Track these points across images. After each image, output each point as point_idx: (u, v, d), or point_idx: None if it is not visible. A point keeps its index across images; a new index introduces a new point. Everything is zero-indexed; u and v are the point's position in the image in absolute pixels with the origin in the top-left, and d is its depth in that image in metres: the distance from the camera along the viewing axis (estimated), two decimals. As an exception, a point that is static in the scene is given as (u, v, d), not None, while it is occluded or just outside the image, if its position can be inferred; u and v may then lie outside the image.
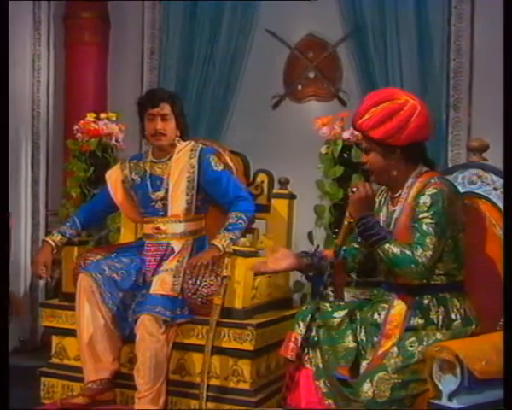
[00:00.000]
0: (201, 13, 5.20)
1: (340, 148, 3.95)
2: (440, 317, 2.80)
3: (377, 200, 3.08)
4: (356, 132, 3.63)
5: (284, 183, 3.87)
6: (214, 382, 3.41)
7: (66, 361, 3.72)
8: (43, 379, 3.75)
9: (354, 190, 2.85)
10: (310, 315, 2.93)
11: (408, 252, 2.70)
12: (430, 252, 2.72)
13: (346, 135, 3.99)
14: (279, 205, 3.86)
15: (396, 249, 2.72)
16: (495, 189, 3.05)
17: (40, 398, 3.75)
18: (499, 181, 3.03)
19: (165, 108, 3.60)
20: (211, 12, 5.19)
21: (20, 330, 4.92)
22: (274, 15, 5.19)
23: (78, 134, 4.51)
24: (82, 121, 4.52)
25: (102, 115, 4.55)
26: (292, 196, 3.87)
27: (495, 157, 3.05)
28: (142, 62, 5.46)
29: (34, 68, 5.23)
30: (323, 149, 4.07)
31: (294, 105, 5.33)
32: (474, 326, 2.83)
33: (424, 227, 2.73)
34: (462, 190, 3.12)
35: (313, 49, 5.29)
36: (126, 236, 4.06)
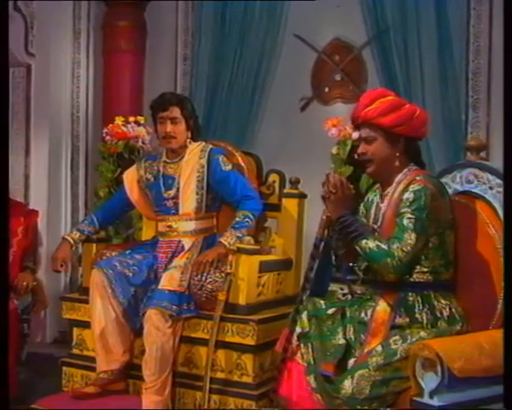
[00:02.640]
0: (231, 19, 5.22)
1: (348, 148, 3.88)
2: (425, 315, 2.74)
3: (368, 196, 3.05)
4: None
5: (295, 182, 3.83)
6: (219, 375, 3.41)
7: (85, 352, 3.76)
8: (64, 368, 3.81)
9: (333, 190, 2.81)
10: (306, 311, 2.91)
11: (384, 246, 2.67)
12: (408, 247, 2.68)
13: (355, 136, 3.90)
14: (289, 204, 3.81)
15: (372, 244, 2.69)
16: (490, 188, 2.95)
17: (62, 386, 3.81)
18: (495, 180, 2.93)
19: (175, 112, 3.61)
20: (240, 18, 5.19)
21: (59, 321, 5.01)
22: (302, 20, 5.14)
23: (107, 137, 4.57)
24: (111, 125, 4.58)
25: (131, 119, 4.59)
26: (302, 196, 3.83)
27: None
28: (175, 68, 5.50)
29: (74, 75, 5.33)
30: (334, 150, 4.01)
31: (321, 107, 5.28)
32: (459, 325, 2.75)
33: (404, 222, 2.70)
34: (459, 189, 3.06)
35: (339, 53, 5.23)
36: (148, 233, 4.09)
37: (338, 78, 5.25)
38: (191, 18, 5.44)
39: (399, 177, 2.87)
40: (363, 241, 2.70)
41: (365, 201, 3.10)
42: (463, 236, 2.92)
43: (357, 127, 3.02)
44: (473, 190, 3.00)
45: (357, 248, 2.72)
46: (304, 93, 5.32)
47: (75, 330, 3.84)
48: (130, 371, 3.58)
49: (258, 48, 5.15)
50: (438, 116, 4.47)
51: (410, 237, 2.66)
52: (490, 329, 2.79)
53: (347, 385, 2.60)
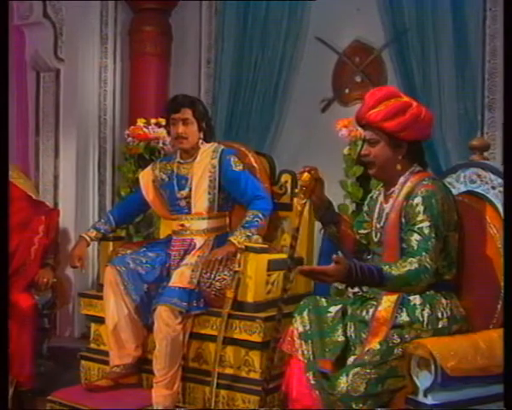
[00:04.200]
0: (253, 23, 5.20)
1: (359, 148, 3.83)
2: (426, 315, 2.69)
3: (372, 194, 3.03)
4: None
5: (307, 182, 3.79)
6: (228, 371, 3.42)
7: (102, 347, 3.80)
8: (82, 362, 3.86)
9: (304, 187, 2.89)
10: (307, 310, 2.89)
11: (414, 265, 2.56)
12: (435, 255, 2.62)
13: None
14: (301, 204, 3.78)
15: (398, 271, 2.55)
16: (493, 187, 2.90)
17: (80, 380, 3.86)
18: (497, 180, 2.88)
19: (187, 113, 3.63)
20: (261, 22, 5.18)
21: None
22: (322, 23, 5.12)
23: (129, 138, 4.62)
24: (132, 126, 4.63)
25: (152, 120, 4.63)
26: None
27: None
28: (199, 71, 5.52)
29: (101, 79, 5.36)
30: (346, 150, 3.99)
31: (342, 108, 5.23)
32: (458, 325, 2.71)
33: (426, 231, 2.63)
34: (463, 189, 3.02)
35: (360, 55, 5.18)
36: (165, 232, 4.11)
37: (358, 79, 5.21)
38: (214, 22, 5.44)
39: (403, 178, 2.83)
40: (386, 272, 2.54)
41: (369, 199, 3.09)
42: (467, 236, 2.88)
43: (362, 127, 2.99)
44: (476, 190, 2.95)
45: (386, 286, 2.61)
46: (325, 94, 5.29)
47: (92, 326, 3.89)
48: (144, 365, 3.61)
49: (280, 50, 5.12)
50: (454, 116, 4.41)
51: (433, 245, 2.61)
52: (490, 328, 2.74)
53: (342, 382, 2.56)
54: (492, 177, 2.89)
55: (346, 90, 5.24)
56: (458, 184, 3.02)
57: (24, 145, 5.46)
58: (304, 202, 2.92)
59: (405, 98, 2.87)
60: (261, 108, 5.20)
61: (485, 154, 3.05)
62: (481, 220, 2.88)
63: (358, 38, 5.15)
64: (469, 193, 2.96)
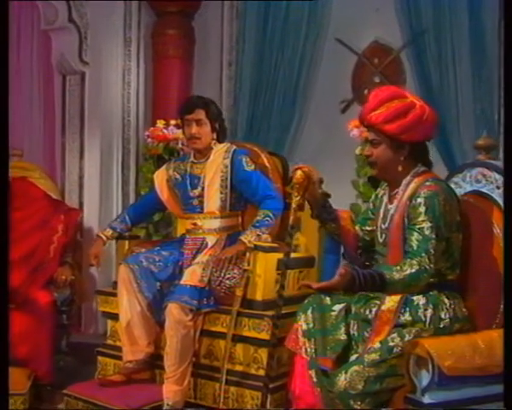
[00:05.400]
0: (273, 25, 5.20)
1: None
2: (429, 315, 2.68)
3: (377, 193, 3.01)
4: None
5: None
6: (238, 368, 3.44)
7: (117, 343, 3.83)
8: (99, 358, 3.91)
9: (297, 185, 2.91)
10: (311, 308, 2.90)
11: (415, 267, 2.57)
12: (434, 256, 2.62)
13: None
14: (312, 203, 3.78)
15: (399, 274, 2.57)
16: (498, 187, 2.87)
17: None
18: (501, 179, 2.84)
19: (200, 114, 3.66)
20: (281, 24, 5.18)
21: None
22: (342, 24, 5.10)
23: (149, 139, 4.66)
24: (152, 128, 4.67)
25: (172, 122, 4.67)
26: (325, 195, 3.77)
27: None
28: (221, 73, 5.54)
29: (125, 81, 5.42)
30: (358, 150, 3.96)
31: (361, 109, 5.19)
32: (459, 324, 2.69)
33: (426, 232, 2.62)
34: (469, 189, 3.00)
35: (378, 56, 5.16)
36: (181, 231, 4.13)
37: (377, 80, 5.18)
38: (235, 25, 5.46)
39: (407, 179, 2.81)
40: (388, 278, 2.56)
41: (374, 197, 3.07)
42: (471, 236, 2.86)
43: (365, 127, 2.98)
44: (481, 190, 2.92)
45: (388, 290, 2.63)
46: (344, 95, 5.28)
47: (109, 322, 3.94)
48: (157, 361, 3.64)
49: (300, 51, 5.11)
50: (470, 116, 4.36)
51: (434, 246, 2.60)
52: (493, 328, 2.71)
53: (341, 380, 2.57)
54: (497, 176, 2.86)
55: (366, 91, 5.19)
56: (464, 184, 3.00)
57: (51, 146, 5.56)
58: (298, 199, 2.91)
59: (409, 99, 2.82)
60: (281, 109, 5.20)
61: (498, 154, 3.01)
62: (486, 220, 2.85)
63: (377, 38, 5.12)
64: (475, 193, 2.94)
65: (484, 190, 2.91)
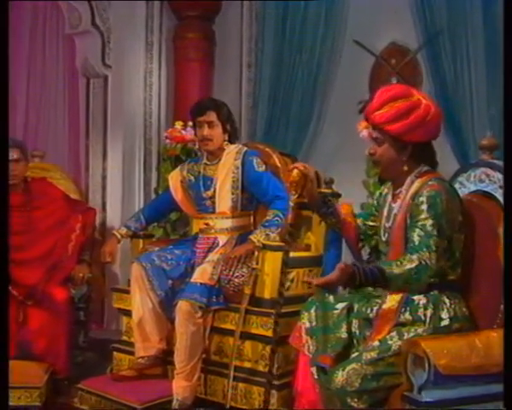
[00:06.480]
0: (291, 27, 5.21)
1: (376, 149, 3.81)
2: (429, 315, 2.67)
3: (381, 191, 3.01)
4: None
5: (329, 182, 3.81)
6: (246, 364, 3.47)
7: (132, 339, 3.88)
8: (114, 354, 3.98)
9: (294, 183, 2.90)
10: (314, 306, 2.91)
11: (415, 262, 2.56)
12: (436, 253, 2.60)
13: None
14: (323, 203, 3.79)
15: (399, 269, 2.56)
16: (500, 187, 2.85)
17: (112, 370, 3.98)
18: (504, 179, 2.81)
19: (211, 116, 3.70)
20: (300, 26, 5.19)
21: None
22: (359, 26, 5.09)
23: (167, 140, 4.71)
24: (170, 129, 4.72)
25: (189, 123, 4.71)
26: (334, 195, 3.79)
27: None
28: (240, 74, 5.57)
29: (147, 84, 5.49)
30: (367, 151, 3.94)
31: (378, 110, 5.18)
32: (459, 324, 2.67)
33: (429, 228, 2.61)
34: (473, 188, 2.98)
35: (396, 57, 5.12)
36: (196, 230, 4.15)
37: (394, 81, 5.12)
38: (254, 27, 5.49)
39: (410, 178, 2.80)
40: (388, 272, 2.56)
41: (378, 194, 3.06)
42: (474, 235, 2.84)
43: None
44: (484, 190, 2.91)
45: (390, 286, 2.64)
46: (362, 96, 5.25)
47: (124, 319, 4.01)
48: (169, 357, 3.68)
49: (318, 52, 5.12)
50: (485, 118, 4.31)
51: (436, 243, 2.59)
52: (494, 328, 2.69)
53: (338, 377, 2.57)
54: (500, 176, 2.84)
55: (383, 92, 5.19)
56: (469, 184, 2.99)
57: (75, 148, 5.67)
58: (295, 198, 2.93)
59: (415, 98, 2.77)
60: (299, 109, 5.21)
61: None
62: (489, 220, 2.83)
63: (394, 40, 5.09)
64: (478, 192, 2.93)
65: (487, 189, 2.89)
